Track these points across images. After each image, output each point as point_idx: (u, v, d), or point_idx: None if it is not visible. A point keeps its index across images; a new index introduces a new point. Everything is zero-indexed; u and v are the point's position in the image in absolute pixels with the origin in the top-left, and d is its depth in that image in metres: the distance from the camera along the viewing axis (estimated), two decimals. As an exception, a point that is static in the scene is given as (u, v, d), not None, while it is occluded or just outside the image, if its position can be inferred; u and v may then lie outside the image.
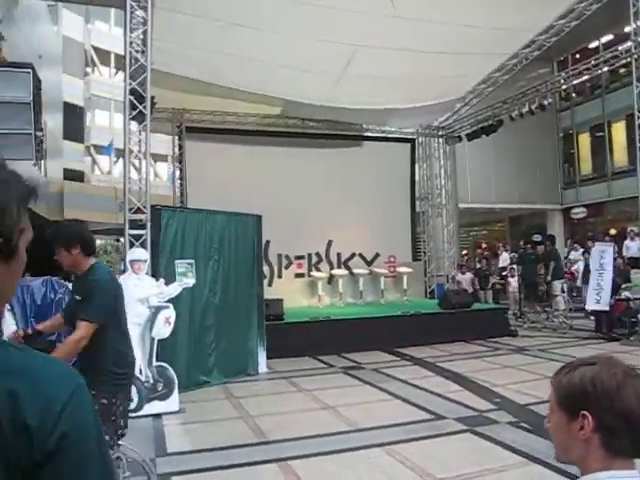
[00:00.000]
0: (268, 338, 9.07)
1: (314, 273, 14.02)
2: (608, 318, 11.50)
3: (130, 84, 7.98)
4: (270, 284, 13.04)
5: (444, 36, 10.63)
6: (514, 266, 15.52)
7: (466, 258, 19.74)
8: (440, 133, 16.94)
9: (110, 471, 0.94)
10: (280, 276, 13.85)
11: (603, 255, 11.67)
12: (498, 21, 10.49)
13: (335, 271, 14.24)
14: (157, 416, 6.42)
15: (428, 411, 6.35)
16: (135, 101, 8.03)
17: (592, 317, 12.74)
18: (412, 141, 16.54)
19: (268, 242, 12.43)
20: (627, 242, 14.06)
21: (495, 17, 10.36)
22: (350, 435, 5.55)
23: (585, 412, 1.26)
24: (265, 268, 11.42)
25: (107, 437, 3.41)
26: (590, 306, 11.79)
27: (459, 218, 19.52)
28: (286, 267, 13.98)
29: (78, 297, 3.35)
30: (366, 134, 15.91)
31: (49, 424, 0.85)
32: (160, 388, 6.64)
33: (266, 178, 13.53)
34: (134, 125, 8.88)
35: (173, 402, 6.66)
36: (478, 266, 16.84)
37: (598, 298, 11.38)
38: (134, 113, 8.10)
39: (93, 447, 0.90)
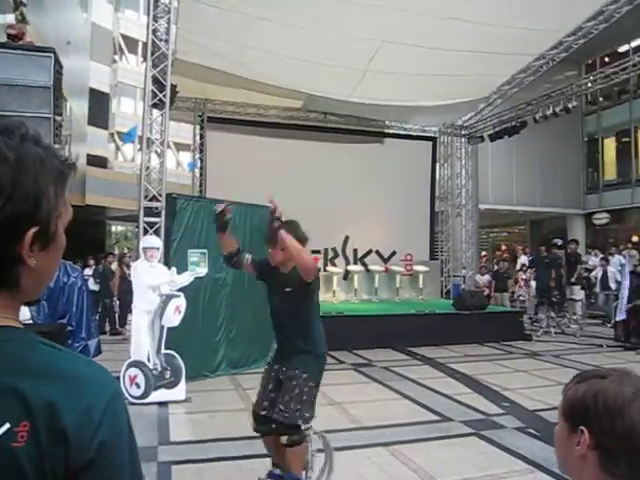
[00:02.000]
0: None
1: (330, 268, 13.99)
2: (624, 326, 11.33)
3: (152, 72, 8.00)
4: (285, 277, 13.04)
5: (470, 35, 10.50)
6: (528, 270, 15.38)
7: (485, 259, 19.56)
8: (463, 132, 16.77)
9: (140, 475, 0.92)
10: (295, 270, 13.82)
11: (621, 267, 11.65)
12: (525, 21, 10.31)
13: (351, 267, 14.20)
14: (163, 404, 6.45)
15: (435, 412, 6.29)
16: (156, 89, 8.06)
17: (609, 325, 12.55)
18: (434, 139, 16.40)
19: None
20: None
21: (522, 17, 10.20)
22: (354, 433, 5.52)
23: (583, 428, 1.20)
24: (280, 261, 11.40)
25: (308, 415, 3.61)
26: (619, 318, 11.62)
27: (479, 219, 19.33)
28: (303, 262, 13.94)
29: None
30: (388, 131, 15.81)
31: (89, 433, 0.81)
32: (168, 376, 6.67)
33: (285, 171, 13.52)
34: (156, 113, 8.90)
35: (180, 391, 6.69)
36: (496, 268, 16.64)
37: (622, 308, 11.28)
38: (155, 101, 8.12)
39: (127, 454, 0.87)
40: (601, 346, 11.23)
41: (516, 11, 10.03)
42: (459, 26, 10.20)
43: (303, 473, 3.73)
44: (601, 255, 15.99)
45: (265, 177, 12.98)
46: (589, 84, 13.45)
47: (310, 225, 14.23)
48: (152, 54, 8.09)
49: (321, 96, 12.93)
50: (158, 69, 8.03)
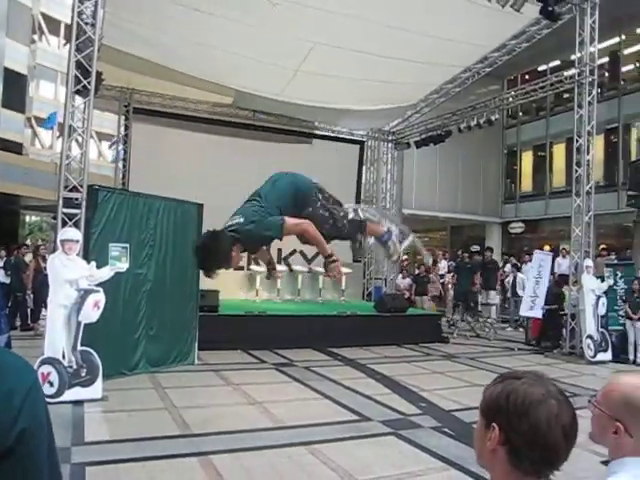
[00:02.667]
0: (201, 329, 8.90)
1: (253, 267, 13.87)
2: (540, 330, 11.93)
3: (75, 56, 7.66)
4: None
5: (401, 43, 10.76)
6: (449, 275, 15.91)
7: (406, 263, 20.02)
8: (390, 138, 17.13)
9: (57, 464, 0.91)
10: (218, 268, 13.62)
11: (542, 264, 12.09)
12: (454, 34, 10.68)
13: (275, 266, 14.15)
14: (78, 403, 6.19)
15: (355, 412, 6.38)
16: (80, 75, 7.72)
17: (521, 329, 13.15)
18: (362, 143, 16.66)
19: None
20: (559, 259, 14.56)
21: (452, 30, 10.55)
22: (275, 432, 5.51)
23: (494, 424, 1.28)
24: (204, 258, 11.24)
25: None
26: (523, 312, 12.23)
27: (402, 224, 19.74)
28: (226, 259, 13.75)
29: None
30: (317, 132, 15.88)
31: (9, 420, 0.80)
32: (83, 374, 6.41)
33: (212, 168, 13.33)
34: (79, 100, 8.53)
35: (96, 389, 6.45)
36: (417, 272, 17.07)
37: (532, 305, 11.79)
38: (78, 87, 7.78)
39: (46, 444, 0.86)
40: (513, 349, 11.76)
41: (447, 24, 10.36)
42: (392, 34, 10.43)
43: None
44: (514, 262, 16.72)
45: (191, 173, 12.77)
46: (510, 99, 14.06)
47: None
48: (77, 38, 7.74)
49: (251, 93, 12.83)
50: (83, 54, 7.69)
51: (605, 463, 1.64)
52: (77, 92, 7.93)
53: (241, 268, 13.87)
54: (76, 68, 7.67)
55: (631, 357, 10.61)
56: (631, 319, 10.71)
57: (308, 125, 15.57)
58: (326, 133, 16.05)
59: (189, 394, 6.98)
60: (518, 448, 1.27)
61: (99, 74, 9.11)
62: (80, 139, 7.97)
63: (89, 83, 7.69)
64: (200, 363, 8.73)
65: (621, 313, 11.00)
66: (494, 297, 14.26)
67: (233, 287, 13.38)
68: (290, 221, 3.25)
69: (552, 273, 13.16)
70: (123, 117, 13.77)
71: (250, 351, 9.88)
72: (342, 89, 12.69)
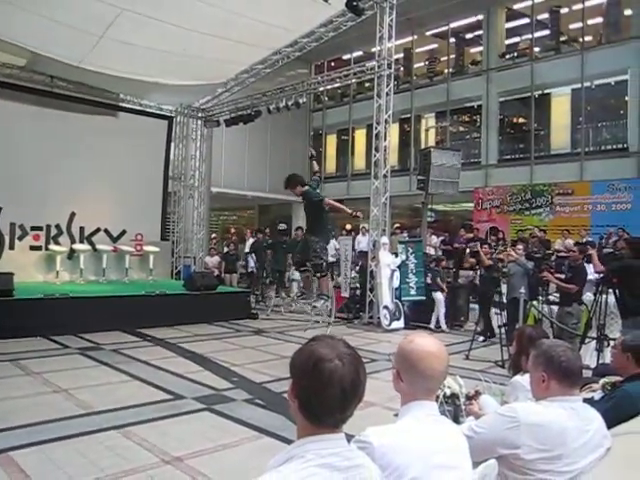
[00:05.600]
0: (-7, 316, 8.12)
1: (52, 247, 12.90)
2: (342, 302, 12.85)
3: None
4: (-1, 256, 11.72)
5: (214, 20, 10.67)
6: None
7: (215, 241, 20.04)
8: (199, 115, 16.94)
9: None
10: (12, 247, 12.41)
11: (346, 247, 13.15)
12: (267, 16, 10.88)
13: (76, 246, 13.30)
14: None
15: (168, 391, 6.35)
16: None
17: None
18: (170, 119, 16.22)
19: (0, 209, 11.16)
20: (359, 237, 15.68)
21: (265, 13, 10.73)
22: (84, 419, 5.28)
23: (292, 380, 1.51)
24: (-7, 238, 10.27)
25: None
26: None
27: (211, 202, 19.75)
28: (20, 238, 12.56)
29: None
30: (122, 104, 15.09)
31: None
32: None
33: (3, 136, 12.10)
34: None
35: None
36: (226, 250, 17.20)
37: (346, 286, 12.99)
38: None
39: None
40: (317, 322, 12.46)
41: (261, 7, 10.51)
42: (205, 9, 10.29)
43: None
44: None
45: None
46: (317, 84, 14.68)
47: (31, 199, 13.07)
48: None
49: (49, 57, 11.73)
50: None
51: (397, 416, 1.96)
52: None
53: (39, 248, 12.83)
54: None
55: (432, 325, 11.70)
56: (443, 290, 11.83)
57: (113, 97, 14.72)
58: (133, 106, 15.32)
59: (-20, 388, 6.35)
60: (305, 402, 1.48)
61: None
62: None
63: None
64: (-8, 353, 7.96)
65: (412, 285, 12.18)
66: (295, 274, 14.98)
67: (30, 269, 12.37)
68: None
69: (353, 250, 14.19)
70: None
71: (52, 337, 9.23)
72: (150, 61, 12.22)
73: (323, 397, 1.45)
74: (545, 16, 19.39)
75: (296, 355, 1.53)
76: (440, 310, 11.68)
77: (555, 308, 8.91)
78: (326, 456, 1.45)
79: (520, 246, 10.36)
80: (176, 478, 4.06)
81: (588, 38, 18.12)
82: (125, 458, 4.35)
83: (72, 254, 13.20)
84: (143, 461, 4.30)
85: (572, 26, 18.94)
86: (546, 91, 18.84)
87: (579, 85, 17.71)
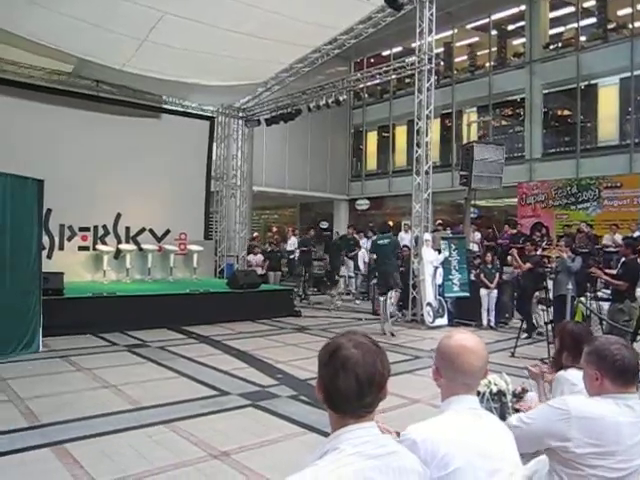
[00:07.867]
0: (45, 314, 8.34)
1: (100, 247, 13.23)
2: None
3: None
4: (50, 256, 12.07)
5: (253, 20, 10.75)
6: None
7: (257, 240, 20.24)
8: (240, 115, 17.08)
9: None
10: (62, 248, 12.80)
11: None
12: (305, 14, 10.89)
13: (123, 246, 13.60)
14: None
15: (213, 387, 6.44)
16: None
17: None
18: (212, 119, 16.42)
19: (50, 211, 11.50)
20: (402, 234, 15.60)
21: (303, 10, 10.74)
22: (133, 414, 5.40)
23: (318, 376, 1.52)
24: (45, 239, 10.57)
25: None
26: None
27: (252, 200, 19.94)
28: (69, 239, 12.95)
29: None
30: (165, 106, 15.38)
31: None
32: None
33: (51, 140, 12.49)
34: None
35: None
36: (268, 248, 17.34)
37: None
38: None
39: None
40: (361, 319, 12.45)
41: (298, 5, 10.53)
42: (244, 10, 10.36)
43: None
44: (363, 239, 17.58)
45: (29, 146, 11.92)
46: (357, 81, 14.63)
47: (79, 201, 13.39)
48: None
49: (94, 62, 12.02)
50: None
51: None
52: None
53: (87, 248, 13.18)
54: None
55: (484, 322, 11.54)
56: (488, 288, 11.66)
57: (155, 98, 15.00)
58: (175, 108, 15.58)
59: (36, 383, 6.54)
60: (324, 392, 1.51)
61: None
62: None
63: None
64: (45, 350, 8.19)
65: (455, 281, 12.03)
66: (342, 271, 15.00)
67: (79, 269, 12.71)
68: None
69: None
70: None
71: (100, 334, 9.48)
72: (191, 63, 12.38)
73: (338, 383, 1.47)
74: (591, 3, 18.83)
75: (321, 348, 1.56)
76: (485, 307, 11.52)
77: (605, 305, 8.65)
78: (359, 445, 1.47)
79: (562, 242, 10.10)
80: (223, 472, 4.12)
81: (638, 24, 17.46)
82: (173, 452, 4.43)
83: (118, 254, 13.50)
84: (190, 455, 4.38)
85: (620, 12, 18.32)
86: (592, 82, 18.26)
87: (628, 74, 17.10)
